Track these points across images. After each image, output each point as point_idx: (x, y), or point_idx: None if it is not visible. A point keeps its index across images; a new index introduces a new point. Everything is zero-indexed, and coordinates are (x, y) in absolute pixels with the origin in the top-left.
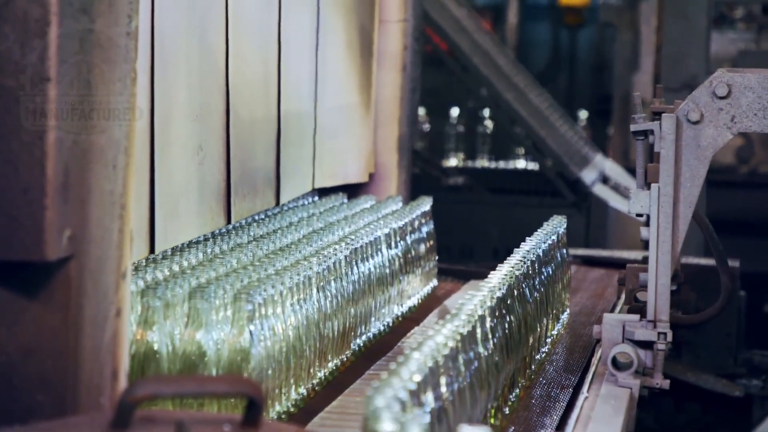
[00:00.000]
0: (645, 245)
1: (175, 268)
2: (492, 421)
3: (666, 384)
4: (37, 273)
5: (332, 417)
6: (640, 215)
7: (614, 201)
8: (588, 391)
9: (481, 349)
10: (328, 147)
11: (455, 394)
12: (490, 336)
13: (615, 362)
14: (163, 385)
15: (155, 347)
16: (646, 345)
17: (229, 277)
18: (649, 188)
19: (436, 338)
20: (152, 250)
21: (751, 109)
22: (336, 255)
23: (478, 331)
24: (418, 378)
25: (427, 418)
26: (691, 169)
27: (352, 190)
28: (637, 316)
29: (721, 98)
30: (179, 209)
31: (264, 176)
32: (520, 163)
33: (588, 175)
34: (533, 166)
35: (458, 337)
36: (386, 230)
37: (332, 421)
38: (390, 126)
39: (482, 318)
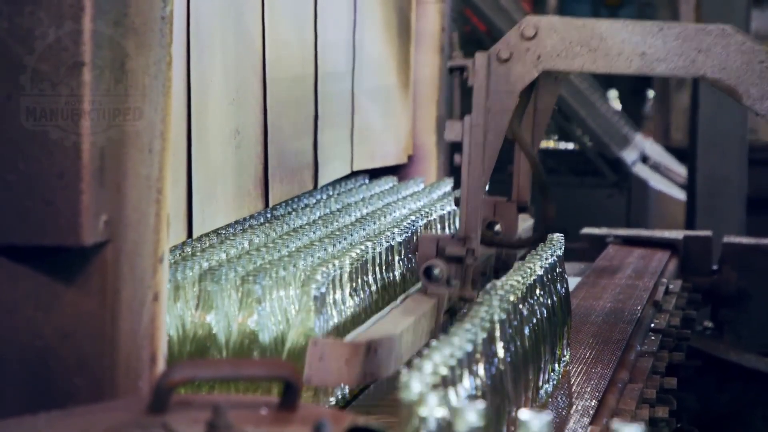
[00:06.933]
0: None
1: (187, 250)
2: None
3: (474, 295)
4: (74, 258)
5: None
6: (458, 143)
7: (655, 181)
8: (400, 301)
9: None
10: (366, 129)
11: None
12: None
13: (429, 275)
14: (200, 369)
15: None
16: (457, 260)
17: (241, 260)
18: (462, 119)
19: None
20: (190, 234)
21: (555, 50)
22: (352, 237)
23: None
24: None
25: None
26: (501, 103)
27: (391, 172)
28: (450, 234)
29: (529, 39)
30: (216, 193)
31: (302, 159)
32: (561, 143)
33: (629, 155)
34: (573, 145)
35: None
36: (404, 211)
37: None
38: (428, 107)
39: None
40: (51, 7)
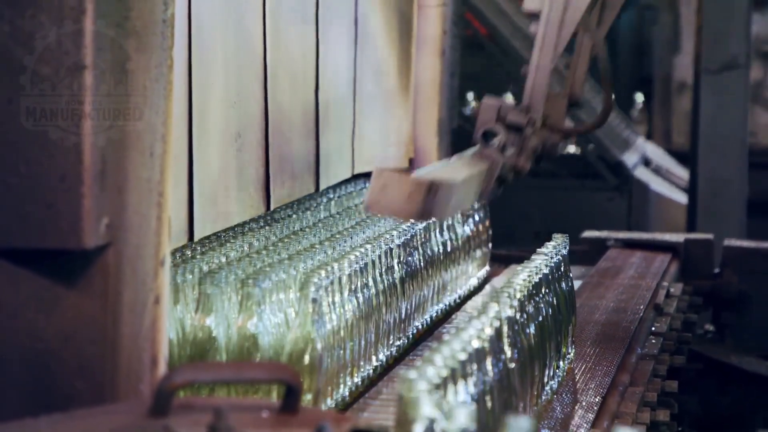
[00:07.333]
0: None
1: (187, 253)
2: None
3: (527, 166)
4: (75, 260)
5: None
6: (533, 14)
7: (656, 184)
8: (456, 158)
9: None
10: (367, 132)
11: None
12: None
13: (486, 139)
14: (201, 372)
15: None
16: (517, 129)
17: (241, 262)
18: None
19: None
20: (191, 237)
21: None
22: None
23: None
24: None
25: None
26: None
27: None
28: (513, 102)
29: None
30: (218, 196)
31: (303, 162)
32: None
33: (629, 158)
34: (574, 149)
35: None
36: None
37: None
38: (429, 110)
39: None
40: (52, 10)
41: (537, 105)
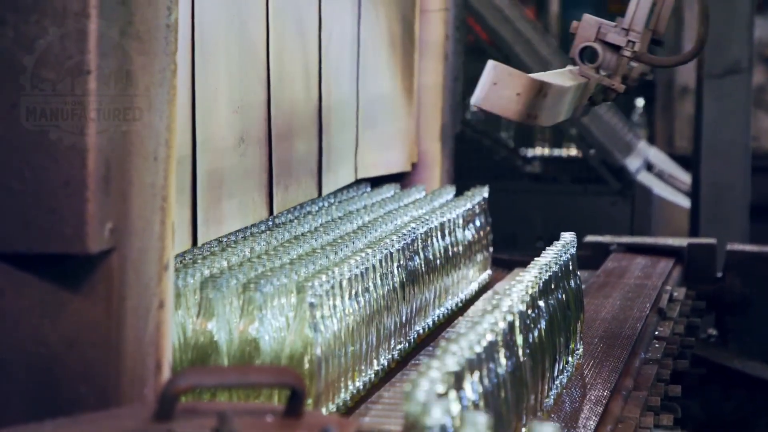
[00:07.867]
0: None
1: (188, 257)
2: None
3: (621, 88)
4: (79, 265)
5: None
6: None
7: (659, 188)
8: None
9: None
10: (370, 137)
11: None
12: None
13: (584, 56)
14: (205, 376)
15: None
16: (615, 48)
17: (242, 267)
18: None
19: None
20: (195, 242)
21: None
22: (354, 244)
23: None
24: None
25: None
26: None
27: (395, 180)
28: (614, 23)
29: None
30: (221, 201)
31: (306, 167)
32: (564, 151)
33: (632, 163)
34: (576, 153)
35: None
36: (405, 219)
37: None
38: (432, 115)
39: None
40: (56, 16)
41: (638, 27)
